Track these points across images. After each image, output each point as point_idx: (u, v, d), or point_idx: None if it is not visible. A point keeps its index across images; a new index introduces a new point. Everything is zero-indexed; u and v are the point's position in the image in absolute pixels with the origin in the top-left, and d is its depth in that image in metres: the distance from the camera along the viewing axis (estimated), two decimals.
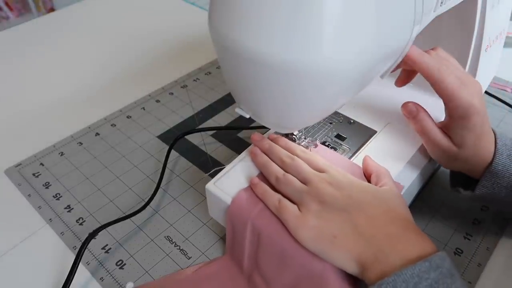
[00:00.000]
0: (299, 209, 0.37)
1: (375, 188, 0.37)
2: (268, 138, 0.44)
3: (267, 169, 0.41)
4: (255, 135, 0.44)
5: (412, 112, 0.41)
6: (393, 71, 0.40)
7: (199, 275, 0.42)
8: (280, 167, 0.41)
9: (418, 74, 0.40)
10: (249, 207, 0.39)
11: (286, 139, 0.43)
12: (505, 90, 0.65)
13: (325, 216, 0.36)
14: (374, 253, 0.33)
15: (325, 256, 0.35)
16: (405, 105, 0.42)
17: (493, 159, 0.39)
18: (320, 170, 0.39)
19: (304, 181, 0.38)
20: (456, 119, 0.38)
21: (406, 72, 0.43)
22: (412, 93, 0.52)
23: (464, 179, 0.43)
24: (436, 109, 0.42)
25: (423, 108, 0.41)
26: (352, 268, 0.34)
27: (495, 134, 0.40)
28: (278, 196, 0.38)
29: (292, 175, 0.39)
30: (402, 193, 0.41)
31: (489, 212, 0.46)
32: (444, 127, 0.40)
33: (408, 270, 0.30)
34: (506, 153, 0.39)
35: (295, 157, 0.41)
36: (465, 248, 0.43)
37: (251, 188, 0.41)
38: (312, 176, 0.38)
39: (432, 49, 0.40)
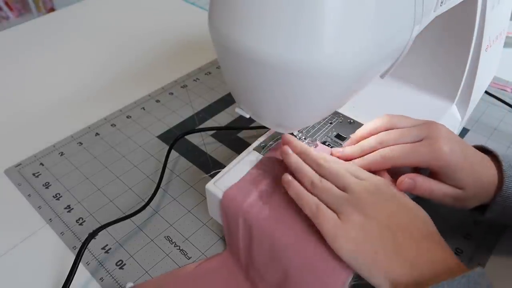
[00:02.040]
0: (338, 217, 0.35)
1: (416, 207, 0.36)
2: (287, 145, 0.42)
3: (301, 170, 0.38)
4: (287, 135, 0.41)
5: (409, 186, 0.38)
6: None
7: (198, 271, 0.42)
8: (315, 171, 0.38)
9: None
10: (240, 199, 0.39)
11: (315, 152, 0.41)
12: (505, 90, 0.65)
13: (368, 229, 0.34)
14: (414, 278, 0.31)
15: (362, 269, 0.33)
16: (399, 184, 0.38)
17: (502, 183, 0.38)
18: (360, 178, 0.37)
19: (343, 188, 0.36)
20: (445, 174, 0.38)
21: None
22: (412, 93, 0.52)
23: None
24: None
25: (415, 174, 0.38)
26: (383, 286, 0.32)
27: (496, 156, 0.39)
28: (316, 200, 0.36)
29: (328, 180, 0.37)
30: None
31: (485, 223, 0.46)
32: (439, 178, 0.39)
33: (447, 285, 0.29)
34: None
35: (331, 162, 0.38)
36: (465, 248, 0.43)
37: (244, 181, 0.40)
38: (352, 183, 0.36)
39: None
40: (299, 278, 0.36)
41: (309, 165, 0.39)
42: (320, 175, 0.38)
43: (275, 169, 0.42)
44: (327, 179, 0.37)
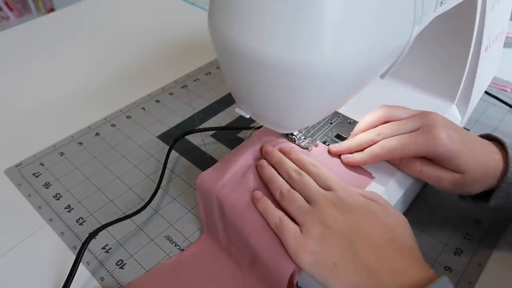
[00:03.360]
0: (300, 230, 0.35)
1: (382, 212, 0.36)
2: (280, 150, 0.43)
3: (273, 183, 0.39)
4: (267, 147, 0.43)
5: (401, 163, 0.41)
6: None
7: (182, 257, 0.43)
8: (287, 182, 0.39)
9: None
10: (214, 180, 0.41)
11: (298, 153, 0.42)
12: (505, 90, 0.65)
13: (327, 241, 0.34)
14: (374, 286, 0.31)
15: (323, 282, 0.33)
16: (394, 164, 0.41)
17: (508, 169, 0.38)
18: (328, 188, 0.37)
19: (309, 200, 0.37)
20: (445, 161, 0.38)
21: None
22: (412, 93, 0.52)
23: None
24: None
25: (411, 157, 0.40)
26: None
27: (503, 144, 0.39)
28: (280, 213, 0.37)
29: (298, 191, 0.38)
30: (400, 194, 0.42)
31: (490, 211, 0.46)
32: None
33: None
34: None
35: (304, 173, 0.39)
36: (465, 248, 0.43)
37: (221, 165, 0.42)
38: (317, 196, 0.37)
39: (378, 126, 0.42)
40: (264, 258, 0.37)
41: (282, 176, 0.40)
42: (291, 186, 0.39)
43: (254, 153, 0.44)
44: (297, 191, 0.38)
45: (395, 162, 0.42)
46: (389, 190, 0.41)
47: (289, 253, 0.35)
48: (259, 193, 0.39)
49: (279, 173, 0.41)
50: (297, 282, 0.37)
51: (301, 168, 0.40)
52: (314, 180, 0.39)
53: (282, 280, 0.35)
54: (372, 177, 0.41)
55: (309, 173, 0.39)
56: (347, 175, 0.41)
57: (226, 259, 0.41)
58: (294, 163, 0.41)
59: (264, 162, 0.42)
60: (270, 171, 0.41)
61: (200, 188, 0.42)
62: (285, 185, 0.39)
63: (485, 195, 0.40)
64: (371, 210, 0.36)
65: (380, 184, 0.41)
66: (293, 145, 0.44)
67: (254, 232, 0.38)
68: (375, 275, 0.32)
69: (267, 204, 0.38)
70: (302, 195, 0.38)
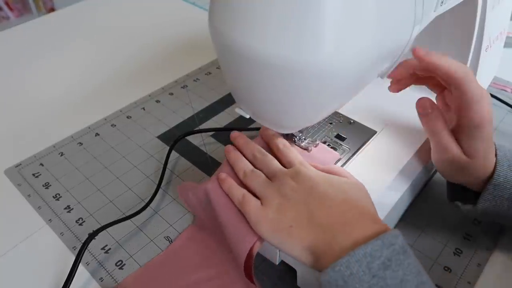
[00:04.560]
0: (261, 203, 0.38)
1: (337, 180, 0.38)
2: (260, 133, 0.45)
3: (237, 164, 0.42)
4: (234, 132, 0.45)
5: (425, 108, 0.39)
6: (393, 76, 0.40)
7: (171, 249, 0.44)
8: (251, 162, 0.42)
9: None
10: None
11: (272, 133, 0.44)
12: (505, 90, 0.65)
13: (284, 209, 0.36)
14: (327, 241, 0.33)
15: (281, 246, 0.35)
16: (419, 100, 0.40)
17: (494, 170, 0.38)
18: (291, 166, 0.40)
19: (270, 177, 0.39)
20: (471, 128, 0.37)
21: (410, 78, 0.41)
22: (412, 93, 0.52)
23: (462, 193, 0.42)
24: None
25: (438, 107, 0.39)
26: (305, 258, 0.34)
27: (494, 145, 0.39)
28: (243, 191, 0.39)
29: (261, 170, 0.40)
30: (405, 188, 0.42)
31: (479, 217, 0.46)
32: (455, 136, 0.39)
33: (361, 250, 0.30)
34: (507, 164, 0.38)
35: (268, 154, 0.41)
36: (465, 249, 0.43)
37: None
38: (277, 171, 0.39)
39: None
40: (230, 234, 0.39)
41: (248, 158, 0.42)
42: (255, 167, 0.41)
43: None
44: (260, 170, 0.40)
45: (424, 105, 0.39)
46: (396, 180, 0.42)
47: (251, 225, 0.37)
48: (223, 175, 0.41)
49: (245, 156, 0.42)
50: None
51: (271, 147, 0.43)
52: (280, 159, 0.41)
53: (243, 252, 0.37)
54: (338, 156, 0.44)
55: (277, 151, 0.42)
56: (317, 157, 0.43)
57: (215, 246, 0.42)
58: (268, 143, 0.43)
59: (230, 147, 0.44)
60: (235, 154, 0.43)
61: (186, 186, 0.45)
62: (249, 166, 0.41)
63: (474, 199, 0.40)
64: (328, 178, 0.38)
65: (388, 175, 0.42)
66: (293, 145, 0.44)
67: (222, 213, 0.39)
68: (328, 231, 0.33)
69: (231, 184, 0.40)
70: (264, 174, 0.40)
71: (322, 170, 0.40)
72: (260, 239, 0.37)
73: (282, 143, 0.42)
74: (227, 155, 0.43)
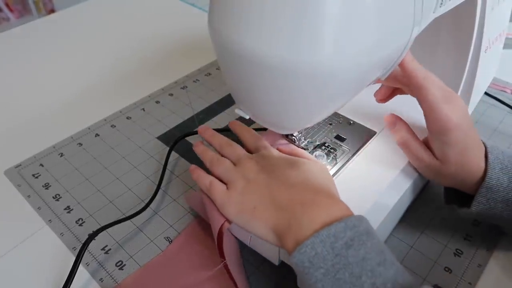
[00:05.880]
0: (227, 188, 0.39)
1: (299, 161, 0.39)
2: (229, 125, 0.47)
3: (205, 155, 0.43)
4: (202, 127, 0.47)
5: (391, 122, 0.42)
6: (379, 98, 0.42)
7: (170, 249, 0.44)
8: (218, 152, 0.43)
9: None
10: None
11: (239, 123, 0.46)
12: (504, 91, 0.65)
13: (248, 191, 0.38)
14: (288, 221, 0.34)
15: (247, 227, 0.37)
16: (386, 117, 0.43)
17: (485, 173, 0.38)
18: (259, 150, 0.42)
19: (236, 163, 0.41)
20: (435, 133, 0.38)
21: (389, 88, 0.44)
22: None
23: (459, 195, 0.42)
24: None
25: (402, 120, 0.42)
26: (271, 238, 0.35)
27: (486, 148, 0.39)
28: (210, 178, 0.41)
29: (228, 158, 0.42)
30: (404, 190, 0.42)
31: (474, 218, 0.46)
32: (427, 142, 0.41)
33: (325, 231, 0.31)
34: (499, 166, 0.38)
35: (234, 143, 0.43)
36: (465, 249, 0.43)
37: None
38: (242, 156, 0.41)
39: None
40: (211, 222, 0.40)
41: (215, 149, 0.44)
42: (221, 155, 0.43)
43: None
44: (227, 157, 0.42)
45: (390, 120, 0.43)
46: (396, 180, 0.42)
47: (219, 209, 0.38)
48: (193, 166, 0.43)
49: (214, 147, 0.44)
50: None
51: (239, 136, 0.45)
52: (248, 147, 0.43)
53: (216, 233, 0.38)
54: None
55: (244, 139, 0.44)
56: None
57: (214, 245, 0.42)
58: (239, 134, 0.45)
59: (198, 142, 0.45)
60: (202, 146, 0.45)
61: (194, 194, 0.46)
62: (215, 155, 0.43)
63: (468, 201, 0.40)
64: (289, 160, 0.40)
65: (388, 176, 0.42)
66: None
67: (208, 205, 0.40)
68: (289, 210, 0.35)
69: (199, 173, 0.42)
70: (231, 161, 0.41)
71: (286, 153, 0.41)
72: (228, 220, 0.38)
73: (248, 131, 0.45)
74: (195, 149, 0.45)
